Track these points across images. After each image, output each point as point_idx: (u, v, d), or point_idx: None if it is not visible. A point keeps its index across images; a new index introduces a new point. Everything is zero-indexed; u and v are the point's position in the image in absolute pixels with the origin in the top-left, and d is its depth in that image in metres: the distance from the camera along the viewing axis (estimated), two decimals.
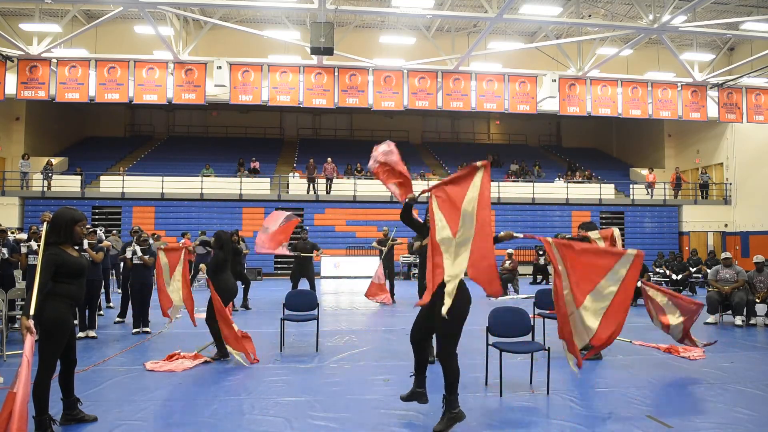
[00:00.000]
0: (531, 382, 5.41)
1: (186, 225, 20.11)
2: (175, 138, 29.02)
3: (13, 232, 10.08)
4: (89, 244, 7.79)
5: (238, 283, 8.13)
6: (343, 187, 21.77)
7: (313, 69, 16.76)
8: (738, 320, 9.12)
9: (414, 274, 19.45)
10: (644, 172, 24.21)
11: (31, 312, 3.68)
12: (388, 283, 12.24)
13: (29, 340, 3.58)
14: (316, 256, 11.32)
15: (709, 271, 10.96)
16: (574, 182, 23.57)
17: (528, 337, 5.40)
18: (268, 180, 22.45)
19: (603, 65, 17.87)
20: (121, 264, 9.61)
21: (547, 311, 7.26)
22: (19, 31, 17.11)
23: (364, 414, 4.52)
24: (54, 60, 16.15)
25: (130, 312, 8.70)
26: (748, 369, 6.16)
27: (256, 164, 22.94)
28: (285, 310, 7.13)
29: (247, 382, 5.53)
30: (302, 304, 7.22)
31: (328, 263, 19.15)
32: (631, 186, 23.83)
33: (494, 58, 19.61)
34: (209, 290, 6.54)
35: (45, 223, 4.07)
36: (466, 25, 20.81)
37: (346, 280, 18.55)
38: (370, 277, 12.21)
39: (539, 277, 18.07)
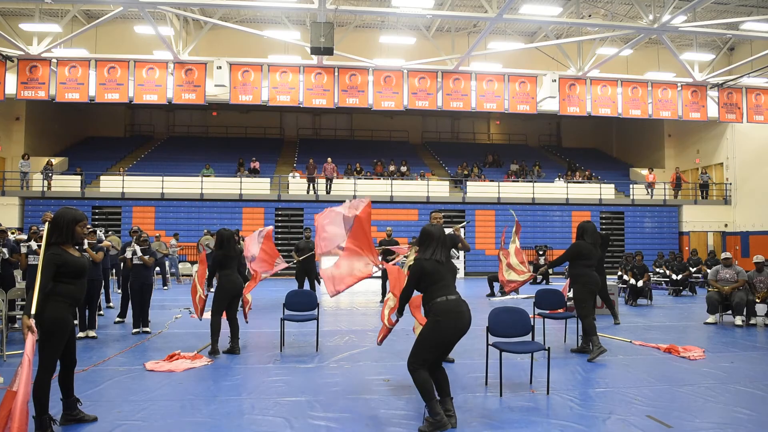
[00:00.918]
0: (531, 382, 5.41)
1: (186, 225, 20.14)
2: (175, 138, 29.02)
3: (13, 232, 10.07)
4: (89, 244, 7.79)
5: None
6: (343, 187, 21.76)
7: (313, 69, 16.76)
8: (738, 320, 9.12)
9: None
10: (644, 172, 24.21)
11: (33, 311, 3.68)
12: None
13: (30, 339, 3.58)
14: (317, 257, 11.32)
15: (709, 271, 10.96)
16: (574, 182, 23.57)
17: (528, 337, 5.40)
18: (268, 180, 22.45)
19: (603, 65, 17.87)
20: (121, 264, 9.60)
21: (547, 311, 7.27)
22: (19, 31, 17.11)
23: (364, 414, 4.52)
24: (54, 60, 16.15)
25: (130, 312, 8.70)
26: (748, 369, 6.16)
27: (256, 164, 22.94)
28: (285, 310, 7.14)
29: (247, 382, 5.53)
30: (302, 304, 7.23)
31: (328, 263, 19.11)
32: (631, 186, 23.83)
33: (494, 58, 19.61)
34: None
35: (46, 223, 4.07)
36: (466, 25, 20.82)
37: None
38: (370, 277, 12.14)
39: (539, 277, 18.06)
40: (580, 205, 22.39)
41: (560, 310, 7.58)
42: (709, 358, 6.67)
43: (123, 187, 20.47)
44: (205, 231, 16.28)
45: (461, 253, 17.78)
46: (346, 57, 16.81)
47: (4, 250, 7.78)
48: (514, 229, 7.89)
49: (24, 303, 7.07)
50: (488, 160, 26.92)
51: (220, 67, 16.02)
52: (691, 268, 15.23)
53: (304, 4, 14.51)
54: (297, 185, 22.02)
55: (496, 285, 14.16)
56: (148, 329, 8.26)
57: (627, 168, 27.15)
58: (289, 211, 21.29)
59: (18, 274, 8.62)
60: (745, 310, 9.11)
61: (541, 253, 18.09)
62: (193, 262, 17.51)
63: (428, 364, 4.09)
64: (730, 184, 22.75)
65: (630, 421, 4.36)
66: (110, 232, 15.23)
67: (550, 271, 17.55)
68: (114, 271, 12.51)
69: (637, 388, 5.33)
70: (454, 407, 4.21)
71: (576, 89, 17.95)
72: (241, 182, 21.50)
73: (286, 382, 5.52)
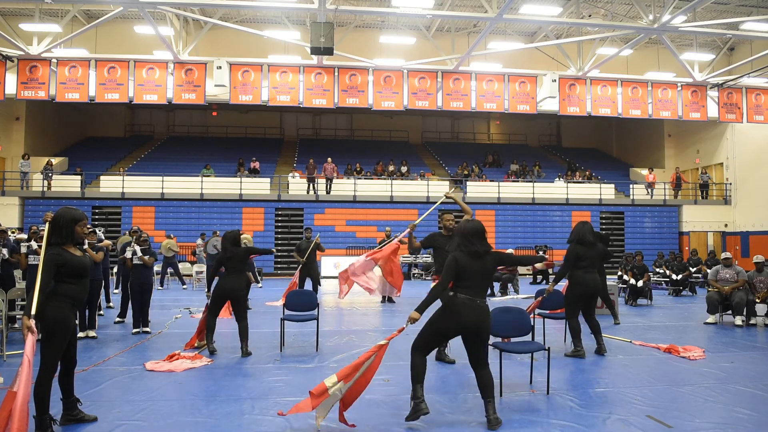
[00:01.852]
0: (531, 382, 5.40)
1: (186, 225, 20.14)
2: (175, 138, 29.03)
3: (13, 232, 10.07)
4: (89, 244, 7.78)
5: None
6: (343, 187, 21.76)
7: (313, 69, 16.76)
8: (738, 320, 9.12)
9: (414, 274, 19.47)
10: (644, 172, 24.21)
11: (33, 311, 3.68)
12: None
13: (30, 340, 3.58)
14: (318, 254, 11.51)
15: (709, 271, 10.96)
16: (574, 182, 23.57)
17: (528, 337, 5.40)
18: (268, 180, 22.45)
19: (603, 65, 17.87)
20: (122, 264, 9.60)
21: (547, 311, 7.27)
22: (19, 31, 17.12)
23: (364, 414, 4.52)
24: (54, 60, 16.15)
25: (130, 312, 8.70)
26: (748, 369, 6.16)
27: (256, 164, 22.94)
28: (285, 310, 7.13)
29: (247, 382, 5.53)
30: (302, 304, 7.22)
31: (328, 263, 19.15)
32: (631, 186, 23.83)
33: (494, 58, 19.60)
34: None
35: (47, 223, 4.07)
36: (466, 25, 20.81)
37: None
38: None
39: (539, 277, 18.07)
40: (580, 205, 22.39)
41: (560, 311, 7.57)
42: (709, 358, 6.66)
43: (123, 187, 20.47)
44: (215, 232, 16.20)
45: None
46: (346, 57, 16.81)
47: (4, 250, 7.78)
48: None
49: (24, 303, 7.07)
50: (488, 160, 26.92)
51: (220, 67, 16.02)
52: (691, 268, 15.22)
53: (304, 4, 14.51)
54: (297, 185, 22.02)
55: (496, 285, 14.16)
56: (148, 329, 8.27)
57: (627, 168, 27.15)
58: (289, 211, 21.29)
59: (18, 274, 8.61)
60: (745, 310, 9.11)
61: (541, 253, 18.08)
62: (193, 263, 17.49)
63: (427, 348, 4.27)
64: (730, 184, 22.75)
65: (630, 421, 4.36)
66: (134, 231, 15.05)
67: (550, 271, 17.67)
68: (114, 270, 12.53)
69: (637, 388, 5.33)
70: (494, 409, 4.17)
71: (576, 89, 17.95)
72: (241, 182, 21.50)
73: (286, 382, 5.52)
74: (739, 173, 22.42)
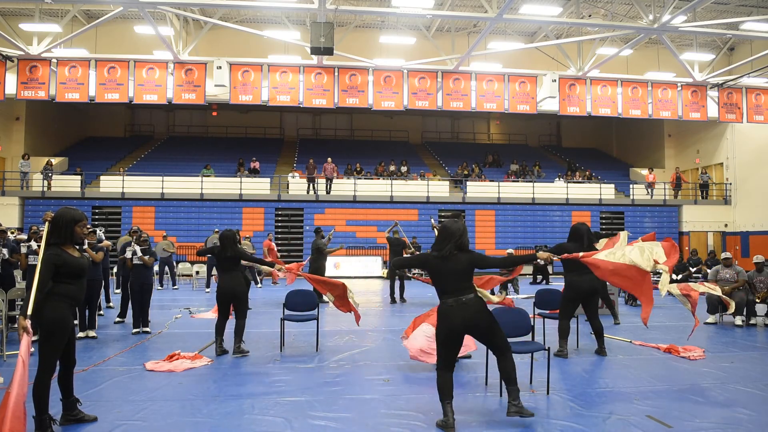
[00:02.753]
0: (531, 382, 5.40)
1: (186, 225, 20.15)
2: (175, 138, 29.03)
3: (13, 232, 10.07)
4: (88, 244, 7.78)
5: None
6: (343, 187, 21.76)
7: (313, 69, 16.76)
8: (738, 320, 9.12)
9: (415, 274, 19.45)
10: (644, 172, 24.21)
11: (29, 312, 3.68)
12: (398, 282, 12.55)
13: (25, 341, 3.58)
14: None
15: (709, 271, 10.96)
16: (574, 182, 23.57)
17: (528, 337, 5.40)
18: (268, 180, 22.45)
19: (603, 65, 17.87)
20: (122, 264, 9.60)
21: (547, 311, 7.27)
22: (19, 31, 17.11)
23: (364, 414, 4.52)
24: (54, 60, 16.15)
25: (130, 312, 8.70)
26: (748, 369, 6.16)
27: (256, 164, 22.94)
28: (285, 310, 7.13)
29: (247, 382, 5.52)
30: (302, 304, 7.22)
31: (328, 263, 19.09)
32: (631, 186, 23.83)
33: (494, 58, 19.60)
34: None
35: (46, 223, 4.07)
36: (466, 25, 20.81)
37: (346, 280, 18.50)
38: (370, 277, 12.25)
39: (539, 277, 18.07)
40: (580, 205, 22.40)
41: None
42: (709, 358, 6.66)
43: (123, 187, 20.47)
44: (215, 230, 16.23)
45: None
46: (346, 57, 16.81)
47: (4, 250, 7.78)
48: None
49: (22, 303, 7.06)
50: (488, 160, 26.92)
51: (220, 67, 16.02)
52: (691, 268, 15.23)
53: (304, 4, 14.51)
54: (297, 185, 22.02)
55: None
56: (148, 329, 8.26)
57: (627, 168, 27.15)
58: (289, 211, 21.29)
59: (18, 274, 8.61)
60: (745, 310, 9.11)
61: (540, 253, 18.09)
62: (193, 262, 17.49)
63: (445, 363, 4.18)
64: (730, 184, 22.75)
65: (630, 421, 4.36)
66: (134, 231, 15.06)
67: (550, 270, 17.68)
68: (114, 271, 12.53)
69: (637, 388, 5.33)
70: (517, 397, 4.17)
71: (576, 89, 17.95)
72: (241, 182, 21.50)
73: (286, 382, 5.52)
74: (739, 173, 22.42)
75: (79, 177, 20.91)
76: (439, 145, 29.96)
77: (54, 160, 21.53)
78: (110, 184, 20.80)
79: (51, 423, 3.91)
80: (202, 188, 20.89)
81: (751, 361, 6.56)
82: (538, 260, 4.81)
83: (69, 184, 20.76)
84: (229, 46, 19.22)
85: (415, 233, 17.83)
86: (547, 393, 5.09)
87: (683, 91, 18.46)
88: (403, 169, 23.74)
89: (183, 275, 17.74)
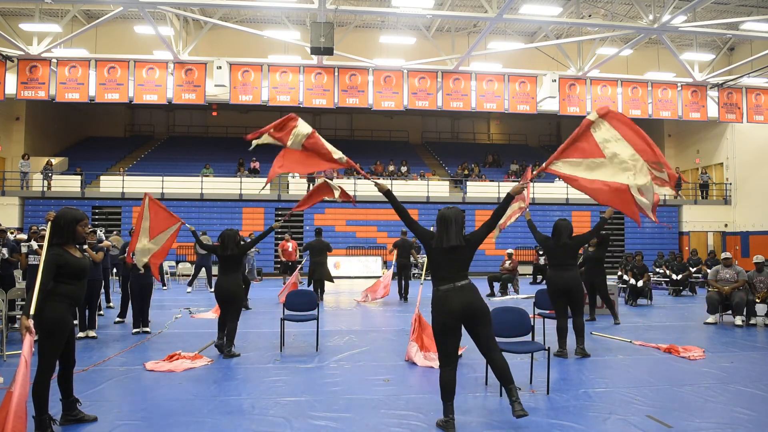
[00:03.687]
0: (531, 382, 5.40)
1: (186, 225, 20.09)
2: (175, 138, 29.02)
3: (12, 232, 10.08)
4: (89, 244, 7.78)
5: None
6: (343, 187, 21.71)
7: (313, 69, 16.76)
8: (738, 320, 9.12)
9: (415, 274, 19.47)
10: None
11: (31, 312, 3.68)
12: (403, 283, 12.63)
13: (28, 340, 3.58)
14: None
15: (709, 271, 10.95)
16: None
17: (528, 337, 5.40)
18: None
19: (603, 65, 17.87)
20: (122, 264, 9.59)
21: (547, 311, 7.27)
22: (19, 31, 17.11)
23: (364, 414, 4.52)
24: (54, 60, 16.16)
25: (130, 312, 8.70)
26: (748, 369, 6.16)
27: (256, 164, 22.94)
28: (285, 310, 7.13)
29: (247, 382, 5.52)
30: (302, 304, 7.22)
31: (329, 263, 19.11)
32: None
33: (494, 58, 19.60)
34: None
35: (48, 223, 4.07)
36: (466, 25, 20.81)
37: (346, 280, 18.56)
38: (371, 277, 12.28)
39: (539, 277, 18.07)
40: (580, 205, 22.38)
41: None
42: (709, 358, 6.66)
43: (123, 187, 20.47)
44: (202, 232, 16.28)
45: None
46: (346, 57, 16.81)
47: (4, 250, 7.78)
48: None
49: (24, 303, 7.07)
50: (488, 160, 26.92)
51: (220, 67, 16.03)
52: (691, 268, 15.22)
53: (304, 4, 14.52)
54: (297, 185, 22.02)
55: (496, 285, 14.18)
56: (148, 329, 8.26)
57: None
58: (289, 211, 21.26)
59: (18, 274, 8.61)
60: (745, 310, 9.10)
61: (541, 253, 18.08)
62: (193, 262, 17.50)
63: (446, 357, 4.12)
64: (730, 184, 22.75)
65: (630, 421, 4.36)
66: (114, 232, 15.26)
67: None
68: (114, 271, 12.52)
69: (637, 388, 5.33)
70: (517, 396, 4.11)
71: (576, 89, 17.96)
72: (241, 182, 21.50)
73: (286, 382, 5.52)
74: (739, 173, 22.42)
75: (79, 177, 20.91)
76: (439, 145, 29.96)
77: (54, 160, 21.53)
78: (110, 184, 20.81)
79: (51, 423, 3.91)
80: (202, 188, 20.89)
81: (751, 361, 6.56)
82: (511, 193, 4.61)
83: (69, 184, 20.76)
84: (229, 46, 19.22)
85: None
86: (547, 393, 5.09)
87: (683, 91, 18.46)
88: (403, 169, 23.74)
89: (183, 275, 17.76)
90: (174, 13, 16.10)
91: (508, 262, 14.54)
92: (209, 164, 22.18)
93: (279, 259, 20.43)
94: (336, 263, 19.28)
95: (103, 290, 9.37)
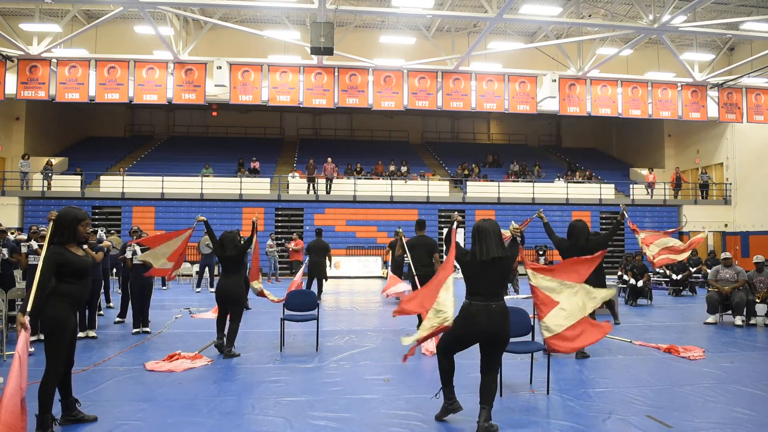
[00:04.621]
0: (531, 382, 5.40)
1: (186, 225, 20.04)
2: (175, 138, 29.02)
3: (12, 232, 10.07)
4: (89, 244, 7.77)
5: None
6: (343, 187, 21.76)
7: (313, 69, 16.76)
8: (738, 320, 9.12)
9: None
10: (644, 172, 24.20)
11: (28, 309, 3.68)
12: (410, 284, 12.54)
13: (23, 336, 3.58)
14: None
15: (709, 271, 10.95)
16: (574, 182, 23.57)
17: (528, 337, 5.40)
18: (268, 180, 22.45)
19: (603, 65, 17.86)
20: (122, 264, 9.60)
21: None
22: (19, 31, 17.11)
23: (364, 414, 4.52)
24: (54, 60, 16.15)
25: (130, 312, 8.70)
26: (748, 369, 6.16)
27: (256, 164, 22.94)
28: (285, 310, 7.13)
29: (247, 382, 5.53)
30: (302, 304, 7.22)
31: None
32: (631, 186, 23.83)
33: (494, 58, 19.60)
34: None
35: (50, 222, 4.08)
36: (466, 25, 20.81)
37: (346, 280, 18.56)
38: (370, 277, 12.27)
39: None
40: (580, 205, 22.39)
41: None
42: (709, 358, 6.66)
43: (123, 187, 20.47)
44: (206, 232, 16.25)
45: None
46: (346, 57, 16.80)
47: (4, 250, 7.78)
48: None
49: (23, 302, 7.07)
50: (488, 160, 26.92)
51: (220, 67, 16.02)
52: (691, 268, 15.22)
53: (304, 4, 14.51)
54: (297, 185, 22.02)
55: None
56: (148, 329, 8.26)
57: (627, 168, 27.14)
58: (289, 211, 21.29)
59: (18, 274, 8.61)
60: (745, 310, 9.11)
61: (541, 253, 18.10)
62: (192, 262, 17.49)
63: (448, 350, 4.22)
64: (730, 184, 22.74)
65: (630, 421, 4.36)
66: (112, 232, 15.24)
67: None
68: (114, 271, 12.52)
69: (637, 388, 5.33)
70: (486, 417, 4.03)
71: (576, 89, 17.95)
72: (241, 182, 21.50)
73: (286, 382, 5.52)
74: (739, 173, 22.41)
75: (79, 177, 20.91)
76: (439, 145, 29.96)
77: (54, 160, 21.53)
78: (110, 184, 20.80)
79: (53, 423, 3.91)
80: (202, 188, 20.89)
81: (751, 361, 6.56)
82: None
83: (69, 184, 20.76)
84: (229, 46, 19.22)
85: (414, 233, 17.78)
86: (547, 393, 5.09)
87: (683, 91, 18.45)
88: (403, 169, 23.74)
89: (183, 275, 17.75)
90: (174, 13, 16.10)
91: None
92: (209, 164, 22.18)
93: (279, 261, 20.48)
94: (336, 263, 19.28)
95: (103, 290, 9.36)
